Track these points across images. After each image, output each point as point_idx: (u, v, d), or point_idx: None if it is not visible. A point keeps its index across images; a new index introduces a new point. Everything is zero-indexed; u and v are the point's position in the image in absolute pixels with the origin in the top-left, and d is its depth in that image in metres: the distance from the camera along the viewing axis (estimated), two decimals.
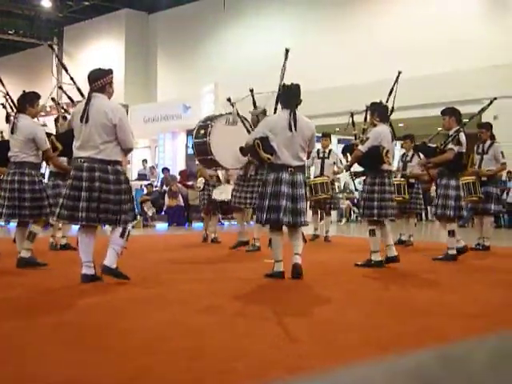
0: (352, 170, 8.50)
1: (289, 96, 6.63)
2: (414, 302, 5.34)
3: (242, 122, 8.26)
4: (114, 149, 6.04)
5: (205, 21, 29.69)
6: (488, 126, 10.36)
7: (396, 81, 8.83)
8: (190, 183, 16.88)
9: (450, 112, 8.66)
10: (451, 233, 8.64)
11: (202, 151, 8.77)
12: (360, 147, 7.77)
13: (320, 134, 11.64)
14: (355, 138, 8.31)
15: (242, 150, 8.78)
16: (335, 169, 12.18)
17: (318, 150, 12.05)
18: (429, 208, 21.83)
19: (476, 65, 20.78)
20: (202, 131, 8.76)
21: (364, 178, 8.07)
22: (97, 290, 5.68)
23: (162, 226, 17.18)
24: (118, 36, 32.43)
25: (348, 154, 8.31)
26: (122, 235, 6.05)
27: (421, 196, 11.50)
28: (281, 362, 3.30)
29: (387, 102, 8.42)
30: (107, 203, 5.95)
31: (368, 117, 8.23)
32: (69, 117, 9.92)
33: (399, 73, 8.78)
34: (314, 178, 11.93)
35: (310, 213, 15.22)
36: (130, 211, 6.22)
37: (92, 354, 3.45)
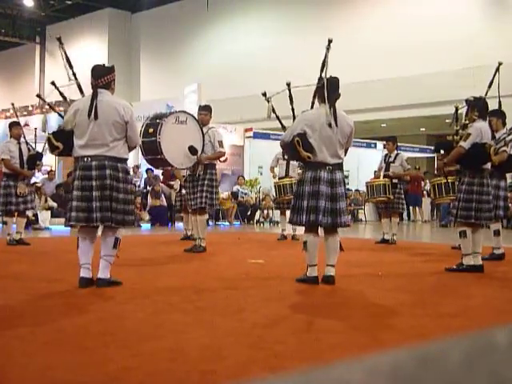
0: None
1: (328, 90, 6.10)
2: (394, 302, 5.35)
3: (277, 117, 7.74)
4: (122, 147, 5.91)
5: (188, 21, 29.70)
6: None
7: (495, 73, 8.40)
8: (172, 183, 16.86)
9: (498, 114, 8.54)
10: (496, 232, 8.63)
11: (150, 150, 8.43)
12: (463, 144, 7.15)
13: None
14: (456, 135, 7.59)
15: (191, 149, 8.69)
16: (299, 170, 12.22)
17: (283, 152, 12.11)
18: (411, 208, 21.95)
19: (458, 66, 20.92)
20: (151, 130, 8.39)
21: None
22: (76, 292, 5.63)
23: (145, 225, 17.13)
24: (101, 35, 32.37)
25: (442, 151, 7.83)
26: (114, 246, 5.88)
27: (402, 196, 11.78)
28: (261, 362, 3.30)
29: (486, 95, 8.01)
30: (117, 202, 5.79)
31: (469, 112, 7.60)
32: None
33: (499, 64, 8.34)
34: (280, 179, 12.02)
35: (277, 213, 15.36)
36: (134, 213, 6.15)
37: (73, 355, 3.42)
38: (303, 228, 6.39)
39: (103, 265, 5.83)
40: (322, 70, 6.32)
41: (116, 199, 5.79)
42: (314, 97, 6.48)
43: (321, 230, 6.33)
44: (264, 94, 7.61)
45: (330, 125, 6.05)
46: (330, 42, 6.34)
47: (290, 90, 7.29)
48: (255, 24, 27.81)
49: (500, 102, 8.59)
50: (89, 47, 31.46)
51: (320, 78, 6.29)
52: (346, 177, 7.07)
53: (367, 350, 3.56)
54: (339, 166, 6.23)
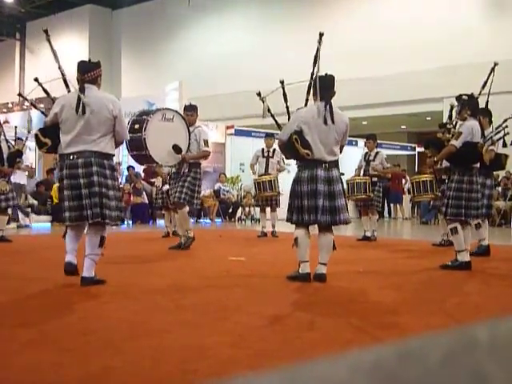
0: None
1: (323, 87, 6.08)
2: (378, 299, 5.37)
3: (272, 116, 7.52)
4: (109, 142, 5.87)
5: (170, 18, 29.59)
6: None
7: (490, 73, 8.38)
8: (153, 180, 16.82)
9: (485, 113, 8.54)
10: (478, 225, 8.71)
11: (136, 146, 8.37)
12: (454, 142, 7.17)
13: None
14: (448, 133, 7.62)
15: (175, 148, 8.64)
16: (278, 167, 12.32)
17: (263, 149, 12.25)
18: (392, 206, 22.06)
19: (439, 64, 21.02)
20: (137, 126, 8.35)
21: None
22: (57, 291, 5.60)
23: (126, 223, 17.07)
24: (82, 32, 32.16)
25: (432, 149, 7.80)
26: (100, 244, 5.85)
27: (381, 194, 11.92)
28: (243, 360, 3.31)
29: (479, 94, 8.03)
30: (108, 199, 5.76)
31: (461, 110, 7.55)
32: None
33: (495, 64, 8.30)
34: (260, 176, 12.08)
35: (257, 210, 15.38)
36: (122, 209, 6.15)
37: (55, 354, 3.41)
38: (293, 226, 6.33)
39: (88, 263, 5.78)
40: (314, 65, 6.27)
41: (107, 196, 5.76)
42: (308, 93, 6.42)
43: (314, 227, 6.30)
44: (259, 94, 7.51)
45: (325, 122, 6.01)
46: (321, 35, 6.29)
47: (283, 88, 7.19)
48: (238, 22, 27.76)
49: (487, 102, 8.62)
50: (69, 44, 31.21)
51: (312, 74, 6.24)
52: (342, 174, 6.93)
53: (349, 347, 3.57)
54: (335, 164, 6.19)
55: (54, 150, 6.07)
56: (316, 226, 6.27)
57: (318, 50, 6.30)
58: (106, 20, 32.91)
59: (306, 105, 6.51)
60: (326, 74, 6.19)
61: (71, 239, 5.87)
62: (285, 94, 7.16)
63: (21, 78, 34.80)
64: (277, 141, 6.64)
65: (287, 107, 7.04)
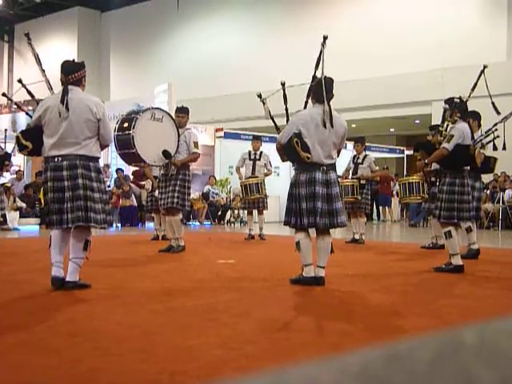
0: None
1: (322, 90, 6.02)
2: (366, 302, 5.38)
3: (272, 119, 7.40)
4: (94, 145, 5.79)
5: (158, 20, 29.60)
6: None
7: (480, 76, 8.35)
8: (143, 183, 16.78)
9: (474, 115, 8.56)
10: (468, 229, 8.79)
11: (124, 145, 8.30)
12: (446, 145, 7.23)
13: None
14: (440, 135, 7.64)
15: (165, 153, 8.59)
16: (265, 170, 12.33)
17: (250, 152, 12.24)
18: (381, 208, 22.10)
19: (427, 68, 21.11)
20: (126, 124, 8.29)
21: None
22: (45, 293, 5.57)
23: (114, 226, 17.02)
24: (71, 34, 32.12)
25: (422, 152, 7.82)
26: (84, 248, 5.74)
27: (369, 197, 11.94)
28: (232, 362, 3.31)
29: (469, 96, 7.99)
30: (94, 202, 5.67)
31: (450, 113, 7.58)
32: None
33: (484, 67, 8.33)
34: (247, 178, 12.09)
35: (245, 212, 15.39)
36: (110, 213, 6.08)
37: (42, 356, 3.40)
38: (286, 228, 6.30)
39: (72, 268, 5.70)
40: (316, 68, 6.23)
41: (92, 199, 5.67)
42: (308, 96, 6.38)
43: (312, 230, 6.27)
44: (259, 96, 7.46)
45: (324, 125, 5.97)
46: (325, 38, 6.24)
47: (284, 90, 7.11)
48: (227, 24, 27.78)
49: (493, 103, 8.66)
50: (58, 46, 31.17)
51: (314, 77, 6.20)
52: (339, 176, 6.87)
53: (338, 349, 3.58)
54: (333, 167, 6.17)
55: (36, 153, 5.97)
56: (314, 228, 6.25)
57: (321, 52, 6.27)
58: (94, 22, 32.88)
59: (305, 107, 6.49)
60: (325, 77, 6.13)
61: (55, 250, 5.72)
62: (285, 96, 7.12)
63: (9, 81, 34.69)
64: (273, 144, 6.56)
65: (286, 109, 7.00)
